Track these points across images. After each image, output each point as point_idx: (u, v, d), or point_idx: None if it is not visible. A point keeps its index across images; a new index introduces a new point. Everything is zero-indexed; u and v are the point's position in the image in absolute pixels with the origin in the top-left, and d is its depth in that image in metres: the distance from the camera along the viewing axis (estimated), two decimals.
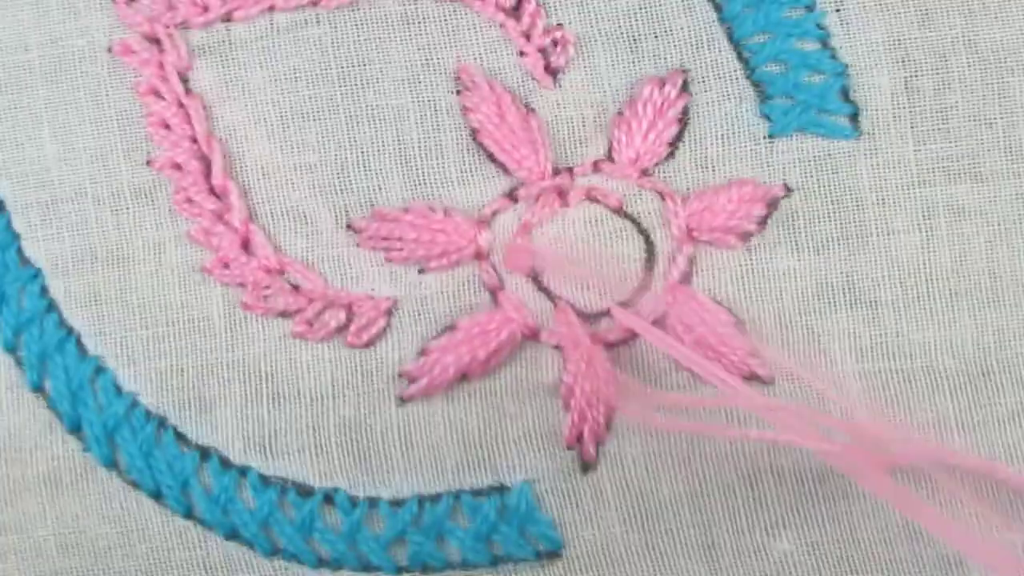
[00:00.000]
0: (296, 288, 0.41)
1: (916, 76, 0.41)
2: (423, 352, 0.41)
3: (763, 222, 0.41)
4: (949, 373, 0.40)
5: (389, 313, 0.41)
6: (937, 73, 0.41)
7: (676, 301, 0.40)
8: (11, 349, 0.42)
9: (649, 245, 0.41)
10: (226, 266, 0.41)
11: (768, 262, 0.41)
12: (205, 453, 0.41)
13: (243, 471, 0.41)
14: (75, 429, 0.42)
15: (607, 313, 0.41)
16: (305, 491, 0.41)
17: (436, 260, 0.41)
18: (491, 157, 0.41)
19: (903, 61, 0.41)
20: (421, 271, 0.41)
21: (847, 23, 0.41)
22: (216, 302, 0.41)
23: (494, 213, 0.41)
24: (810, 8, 0.41)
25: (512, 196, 0.41)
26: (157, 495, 0.41)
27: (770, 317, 0.41)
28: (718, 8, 0.41)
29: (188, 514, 0.41)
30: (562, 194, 0.41)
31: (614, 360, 0.40)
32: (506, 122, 0.41)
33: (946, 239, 0.41)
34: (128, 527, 0.41)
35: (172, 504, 0.41)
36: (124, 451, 0.41)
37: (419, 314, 0.41)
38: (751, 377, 0.40)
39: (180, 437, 0.41)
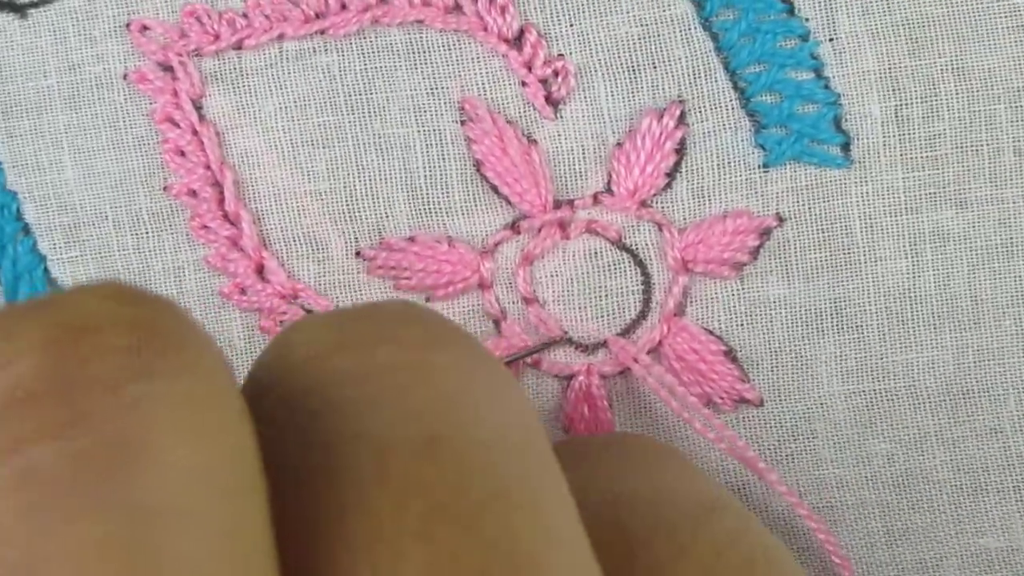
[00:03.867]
0: (310, 313, 0.43)
1: (906, 104, 0.42)
2: None
3: (756, 252, 0.42)
4: (930, 392, 0.43)
5: None
6: (926, 101, 0.42)
7: (670, 332, 0.43)
8: None
9: (646, 277, 0.43)
10: (243, 292, 0.43)
11: (759, 290, 0.43)
12: None
13: None
14: None
15: (604, 344, 0.43)
16: None
17: (442, 289, 0.43)
18: (494, 189, 0.43)
19: (894, 90, 0.42)
20: (428, 299, 0.43)
21: (840, 52, 0.42)
22: (236, 324, 0.44)
23: (497, 244, 0.43)
24: (804, 38, 0.42)
25: (515, 228, 0.43)
26: None
27: (760, 344, 0.43)
28: (715, 38, 0.42)
29: None
30: (563, 227, 0.43)
31: (610, 389, 0.43)
32: (508, 155, 0.42)
33: (930, 264, 0.43)
34: None
35: None
36: None
37: None
38: (740, 401, 0.43)
39: None
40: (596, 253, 0.43)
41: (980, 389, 0.43)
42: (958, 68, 0.42)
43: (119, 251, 0.44)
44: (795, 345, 0.43)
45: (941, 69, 0.42)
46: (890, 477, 0.43)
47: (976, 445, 0.43)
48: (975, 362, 0.43)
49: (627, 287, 0.43)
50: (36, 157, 0.44)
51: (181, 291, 0.44)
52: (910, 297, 0.43)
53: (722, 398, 0.42)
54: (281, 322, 0.43)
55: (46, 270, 0.44)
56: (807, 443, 0.43)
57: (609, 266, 0.43)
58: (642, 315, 0.43)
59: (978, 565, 0.43)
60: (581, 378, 0.43)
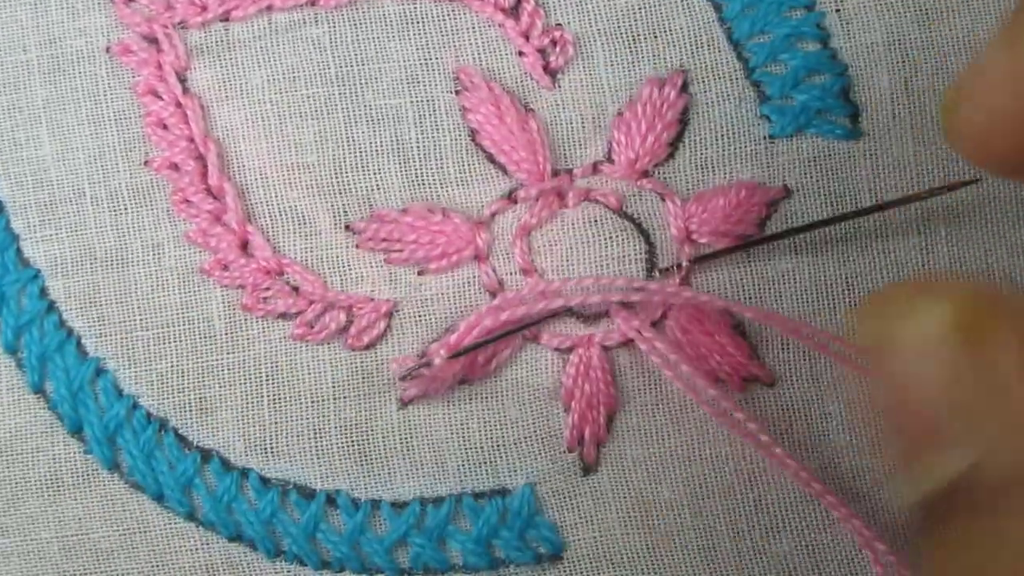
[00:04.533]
0: (296, 290, 0.41)
1: (915, 76, 0.41)
2: (424, 354, 0.41)
3: (763, 224, 0.41)
4: None
5: (389, 315, 0.41)
6: (936, 73, 0.41)
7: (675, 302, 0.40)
8: (12, 350, 0.42)
9: (650, 246, 0.41)
10: (225, 268, 0.41)
11: (767, 263, 0.41)
12: (206, 455, 0.41)
13: (244, 473, 0.41)
14: (76, 431, 0.42)
15: (606, 314, 0.41)
16: (307, 493, 0.41)
17: (436, 262, 0.41)
18: (490, 158, 0.41)
19: (903, 61, 0.41)
20: (420, 273, 0.41)
21: (847, 23, 0.41)
22: (216, 303, 0.41)
23: (493, 214, 0.41)
24: (810, 8, 0.41)
25: (511, 198, 0.41)
26: (159, 497, 0.41)
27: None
28: (718, 8, 0.41)
29: (191, 516, 0.42)
30: (561, 195, 0.41)
31: (613, 362, 0.41)
32: (505, 123, 0.41)
33: (944, 240, 0.41)
34: (130, 529, 0.41)
35: (174, 506, 0.41)
36: (126, 453, 0.41)
37: (419, 316, 0.41)
38: (750, 379, 0.40)
39: (181, 439, 0.41)
40: (596, 221, 0.41)
41: None
42: (968, 40, 0.41)
43: (96, 228, 0.42)
44: (806, 321, 0.41)
45: (952, 41, 0.41)
46: None
47: None
48: None
49: (629, 255, 0.41)
50: (12, 133, 0.42)
51: (160, 268, 0.41)
52: (923, 273, 0.41)
53: (730, 374, 0.40)
54: (265, 299, 0.41)
55: (19, 250, 0.42)
56: (820, 427, 0.41)
57: (610, 234, 0.41)
58: (645, 285, 0.41)
59: None
60: (581, 351, 0.40)
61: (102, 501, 0.42)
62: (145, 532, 0.41)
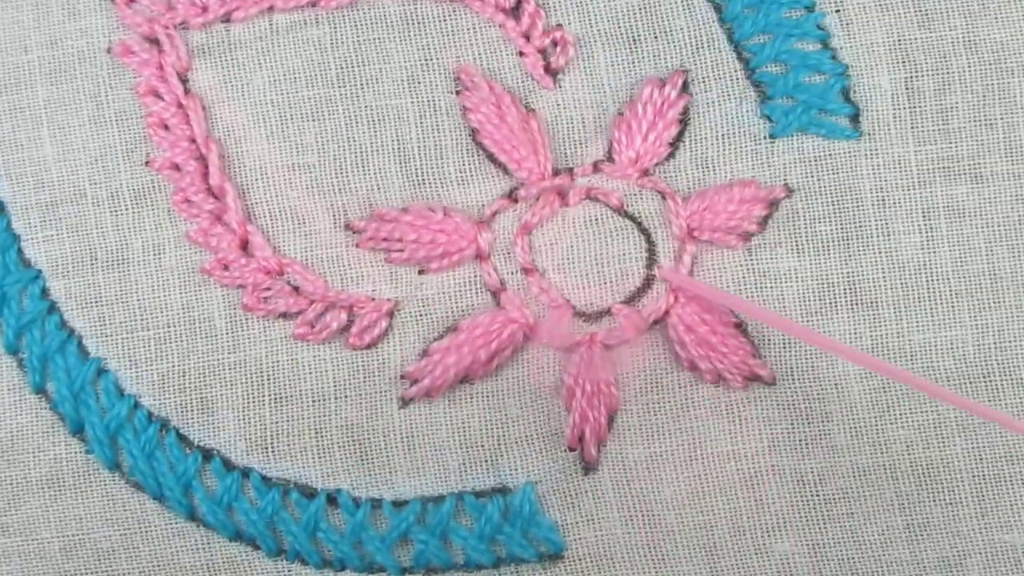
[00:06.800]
0: (296, 289, 0.41)
1: (916, 77, 0.41)
2: (425, 353, 0.41)
3: (764, 222, 0.41)
4: (950, 374, 0.41)
5: (390, 314, 0.41)
6: (937, 73, 0.41)
7: (678, 301, 0.40)
8: (13, 351, 0.42)
9: (651, 244, 0.41)
10: (225, 267, 0.41)
11: (769, 262, 0.41)
12: (207, 454, 0.41)
13: (246, 472, 0.41)
14: (77, 431, 0.42)
15: (607, 312, 0.41)
16: (308, 492, 0.41)
17: (436, 261, 0.41)
18: (491, 157, 0.41)
19: (903, 62, 0.41)
20: (421, 272, 0.41)
21: (847, 24, 0.41)
22: (217, 303, 0.41)
23: (494, 213, 0.41)
24: (810, 9, 0.41)
25: (512, 197, 0.41)
26: (160, 497, 0.42)
27: None
28: (718, 9, 0.41)
29: (191, 516, 0.42)
30: (562, 194, 0.41)
31: (614, 360, 0.41)
32: (506, 123, 0.41)
33: (946, 240, 0.41)
34: (131, 529, 0.42)
35: (175, 506, 0.41)
36: (127, 453, 0.41)
37: (420, 315, 0.41)
38: (752, 378, 0.40)
39: (182, 439, 0.41)
40: (597, 220, 0.41)
41: (1002, 372, 0.41)
42: (970, 41, 0.41)
43: (97, 229, 0.42)
44: (807, 321, 0.41)
45: (952, 42, 0.41)
46: (909, 466, 0.40)
47: (999, 432, 0.40)
48: (996, 343, 0.41)
49: (630, 253, 0.41)
50: (14, 134, 0.42)
51: (161, 269, 0.42)
52: (925, 273, 0.41)
53: (732, 373, 0.40)
54: (265, 299, 0.41)
55: (20, 250, 0.42)
56: (821, 427, 0.40)
57: (611, 232, 0.41)
58: (647, 283, 0.41)
59: (1004, 563, 0.41)
60: (583, 349, 0.40)
61: (103, 501, 0.42)
62: (146, 532, 0.42)
